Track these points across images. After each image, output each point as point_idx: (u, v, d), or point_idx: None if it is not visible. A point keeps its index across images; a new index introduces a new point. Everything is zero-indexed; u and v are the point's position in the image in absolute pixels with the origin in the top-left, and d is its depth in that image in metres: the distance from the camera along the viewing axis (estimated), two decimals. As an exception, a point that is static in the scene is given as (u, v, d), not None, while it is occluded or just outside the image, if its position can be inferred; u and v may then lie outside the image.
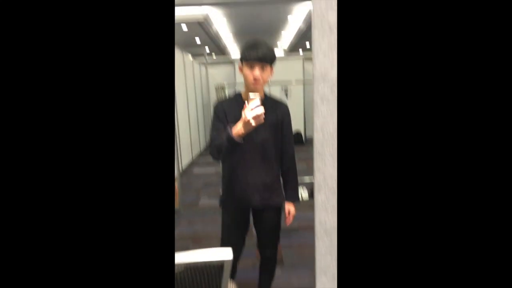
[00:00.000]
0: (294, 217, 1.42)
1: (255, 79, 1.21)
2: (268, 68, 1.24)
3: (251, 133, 1.18)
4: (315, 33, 0.74)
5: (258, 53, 1.19)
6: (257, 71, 1.21)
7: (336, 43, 0.73)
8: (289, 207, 1.42)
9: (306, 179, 3.53)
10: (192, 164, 5.04)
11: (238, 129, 1.14)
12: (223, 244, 1.42)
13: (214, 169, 4.69)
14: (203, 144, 6.07)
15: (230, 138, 1.15)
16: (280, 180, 1.40)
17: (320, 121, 0.77)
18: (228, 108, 1.31)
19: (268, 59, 1.22)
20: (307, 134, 6.39)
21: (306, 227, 2.60)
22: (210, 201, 3.42)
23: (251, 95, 1.10)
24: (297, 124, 5.98)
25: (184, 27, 5.87)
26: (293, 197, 1.43)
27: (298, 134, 6.13)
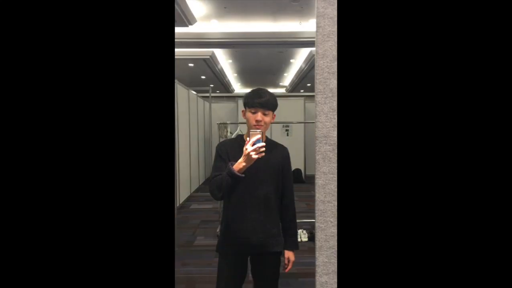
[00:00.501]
0: (293, 263, 1.39)
1: (256, 121, 1.25)
2: (270, 114, 1.29)
3: (253, 177, 1.20)
4: (318, 98, 0.78)
5: (261, 100, 1.25)
6: (259, 116, 1.26)
7: (336, 108, 0.77)
8: (289, 255, 1.39)
9: (306, 220, 3.46)
10: (190, 199, 4.98)
11: (239, 163, 1.18)
12: (218, 292, 1.36)
13: (211, 205, 4.62)
14: (202, 179, 6.04)
15: (232, 172, 1.17)
16: (279, 225, 1.39)
17: (322, 179, 0.79)
18: (231, 148, 1.33)
19: (270, 106, 1.27)
20: (307, 172, 6.38)
21: (305, 274, 2.50)
22: (206, 240, 3.33)
23: (253, 131, 1.15)
24: (297, 162, 6.01)
25: (190, 64, 6.14)
26: (293, 245, 1.41)
27: (298, 172, 6.13)
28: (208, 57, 5.53)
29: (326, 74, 0.78)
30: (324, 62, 0.78)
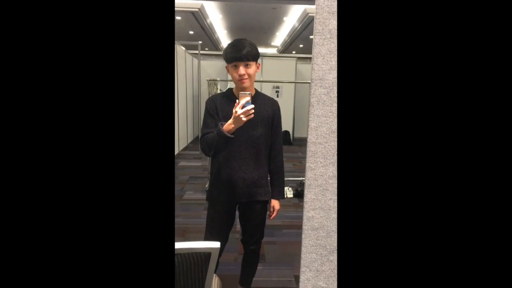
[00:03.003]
0: (278, 215, 1.46)
1: (240, 75, 1.23)
2: (252, 64, 1.25)
3: (243, 128, 1.22)
4: (317, 39, 0.77)
5: (239, 53, 1.21)
6: (241, 70, 1.23)
7: (336, 49, 0.77)
8: (274, 204, 1.45)
9: (292, 179, 3.59)
10: (178, 157, 5.02)
11: (228, 124, 1.19)
12: (207, 238, 1.43)
13: (200, 163, 4.68)
14: (190, 138, 6.03)
15: (222, 133, 1.19)
16: (267, 176, 1.43)
17: (315, 122, 0.81)
18: (220, 104, 1.33)
19: (250, 57, 1.23)
20: (295, 135, 6.46)
21: (289, 226, 2.66)
22: (195, 195, 3.42)
23: (242, 93, 1.16)
24: (286, 124, 6.05)
25: (177, 16, 5.80)
26: (279, 194, 1.46)
27: (286, 134, 6.19)
28: (197, 9, 5.22)
29: (326, 14, 0.76)
30: (324, 1, 0.76)
